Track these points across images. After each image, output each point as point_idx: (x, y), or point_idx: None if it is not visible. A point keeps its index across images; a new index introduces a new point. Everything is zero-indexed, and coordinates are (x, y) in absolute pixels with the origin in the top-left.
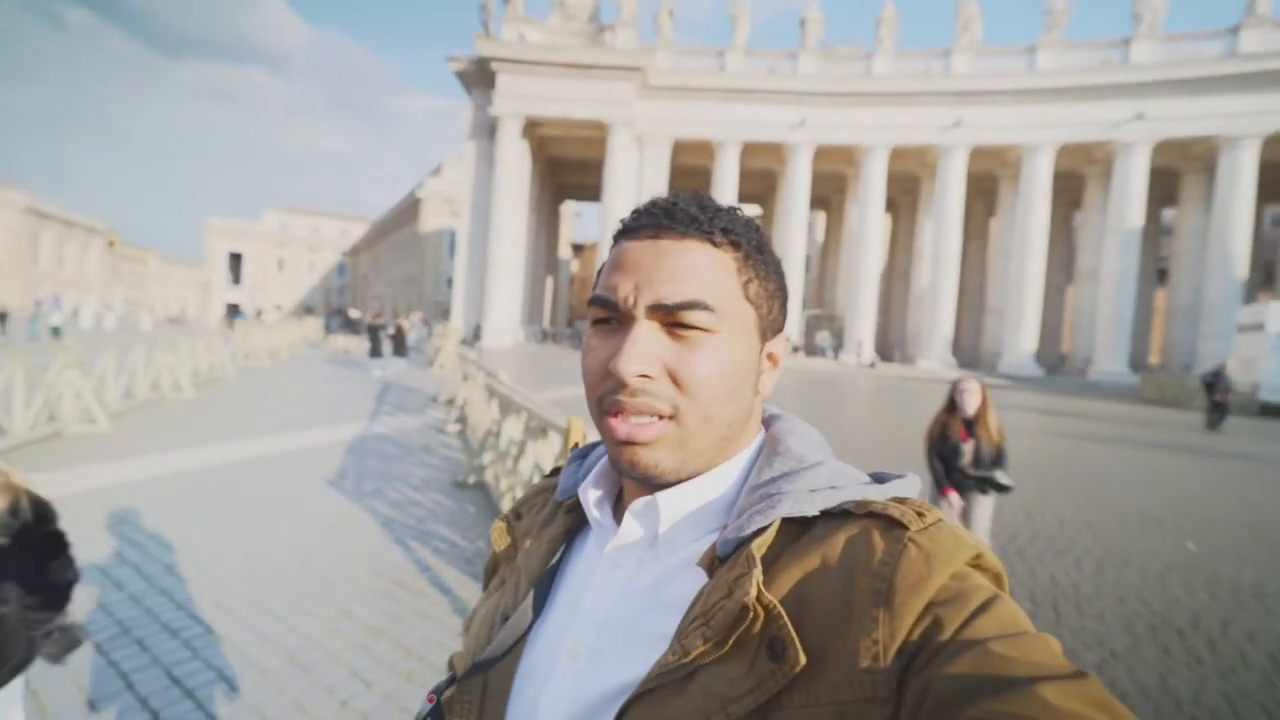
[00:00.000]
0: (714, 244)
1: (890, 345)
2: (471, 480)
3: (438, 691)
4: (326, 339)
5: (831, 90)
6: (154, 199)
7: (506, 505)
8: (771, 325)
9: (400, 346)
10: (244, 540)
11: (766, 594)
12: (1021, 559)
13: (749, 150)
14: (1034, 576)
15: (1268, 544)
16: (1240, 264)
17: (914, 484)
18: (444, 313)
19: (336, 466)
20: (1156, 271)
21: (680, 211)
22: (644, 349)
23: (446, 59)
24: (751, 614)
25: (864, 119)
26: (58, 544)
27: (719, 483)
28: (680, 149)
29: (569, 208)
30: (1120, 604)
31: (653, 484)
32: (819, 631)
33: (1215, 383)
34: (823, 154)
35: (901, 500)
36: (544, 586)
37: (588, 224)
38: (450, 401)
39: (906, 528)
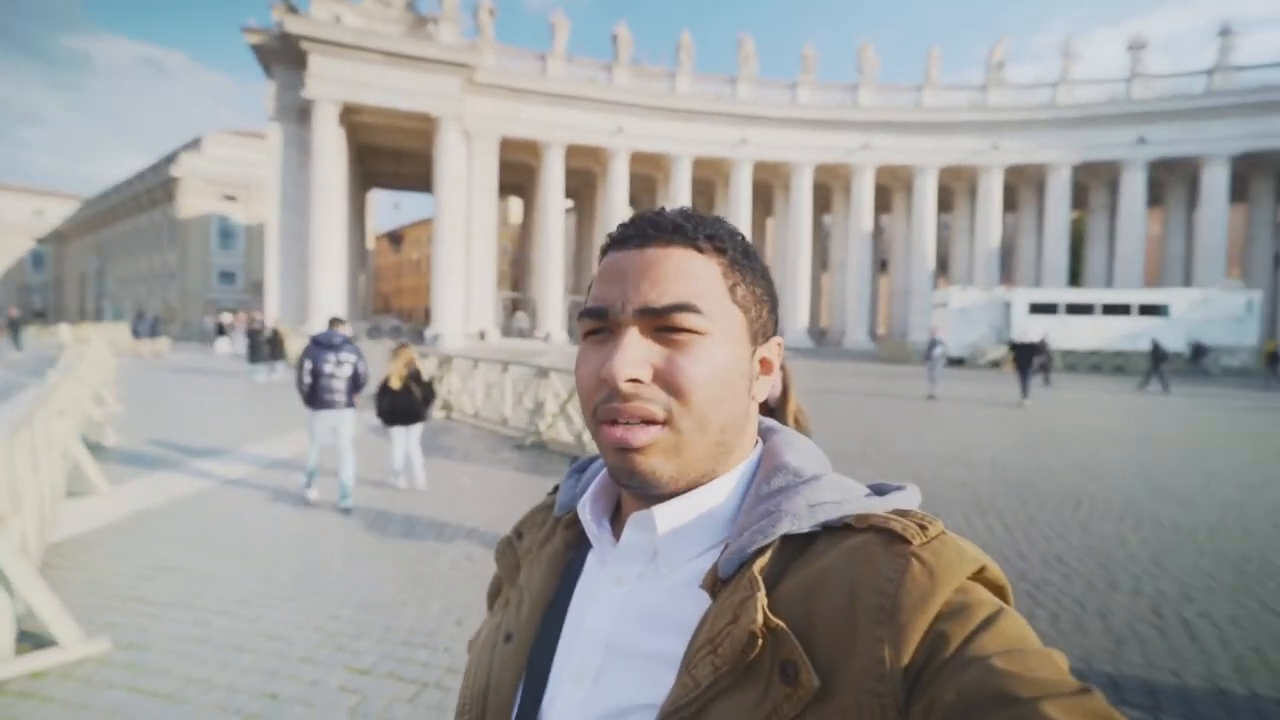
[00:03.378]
0: (699, 250)
1: None
2: (530, 442)
3: None
4: (135, 344)
5: (644, 103)
6: None
7: (580, 449)
8: (762, 330)
9: (278, 351)
10: (458, 496)
11: (773, 618)
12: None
13: (570, 150)
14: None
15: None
16: (930, 258)
17: (914, 495)
18: (215, 311)
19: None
20: (879, 263)
21: (665, 221)
22: (633, 353)
23: (241, 28)
24: (759, 640)
25: (671, 131)
26: (432, 388)
27: (717, 495)
28: (507, 145)
29: (383, 197)
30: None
31: (651, 495)
32: (827, 652)
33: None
34: (637, 159)
35: (903, 513)
36: (546, 607)
37: (392, 213)
38: None
39: (909, 542)
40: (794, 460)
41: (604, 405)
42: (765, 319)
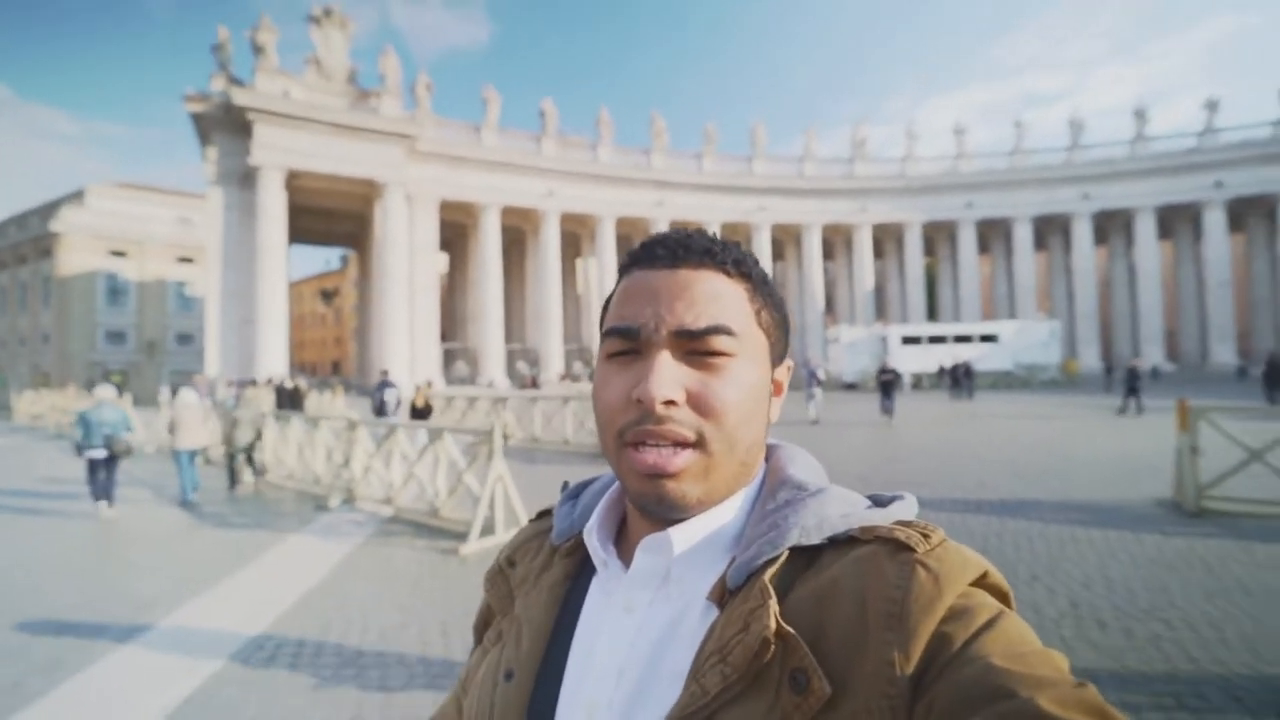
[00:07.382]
0: (728, 274)
1: None
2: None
3: None
4: None
5: (572, 170)
6: None
7: None
8: (778, 354)
9: (298, 405)
10: None
11: (785, 625)
12: None
13: (503, 210)
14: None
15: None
16: (819, 300)
17: (912, 505)
18: (103, 375)
19: None
20: None
21: (695, 243)
22: (669, 374)
23: (182, 97)
24: (772, 647)
25: (596, 194)
26: (431, 407)
27: (726, 513)
28: (445, 206)
29: (304, 251)
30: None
31: (672, 518)
32: (837, 660)
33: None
34: (565, 218)
35: (905, 523)
36: (548, 639)
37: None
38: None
39: (913, 550)
40: (798, 474)
41: (633, 428)
42: (781, 343)
